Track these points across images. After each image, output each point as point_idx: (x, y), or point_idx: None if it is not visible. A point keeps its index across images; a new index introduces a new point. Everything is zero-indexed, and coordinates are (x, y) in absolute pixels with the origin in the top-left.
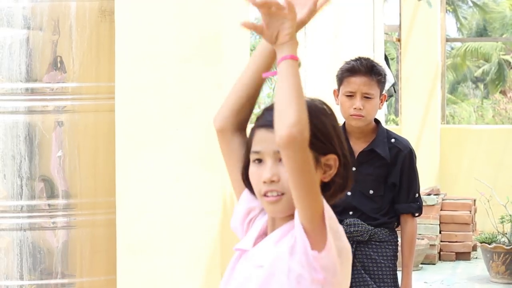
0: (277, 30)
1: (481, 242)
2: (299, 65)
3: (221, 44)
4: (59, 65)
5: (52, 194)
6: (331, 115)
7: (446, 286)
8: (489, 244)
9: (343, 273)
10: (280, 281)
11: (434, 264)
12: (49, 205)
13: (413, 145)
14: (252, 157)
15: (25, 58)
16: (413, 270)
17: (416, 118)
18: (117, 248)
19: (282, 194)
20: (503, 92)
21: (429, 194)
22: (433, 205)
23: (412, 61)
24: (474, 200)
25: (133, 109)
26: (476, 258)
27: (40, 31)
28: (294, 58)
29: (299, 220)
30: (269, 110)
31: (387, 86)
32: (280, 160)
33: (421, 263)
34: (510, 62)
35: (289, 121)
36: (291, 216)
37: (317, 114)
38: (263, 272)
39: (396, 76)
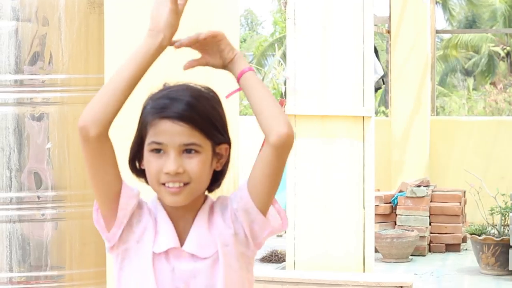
0: (218, 54)
1: (471, 234)
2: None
3: None
4: (47, 57)
5: (41, 186)
6: (220, 102)
7: (436, 278)
8: (479, 236)
9: None
10: (233, 265)
11: (424, 255)
12: (38, 197)
13: (403, 136)
14: (152, 146)
15: (14, 49)
16: (403, 262)
17: (406, 110)
18: None
19: (186, 184)
20: (494, 84)
21: (419, 186)
22: (423, 196)
23: (402, 52)
24: (464, 192)
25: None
26: (466, 249)
27: (29, 22)
28: (251, 69)
29: (254, 205)
30: (170, 99)
31: (376, 78)
32: (183, 152)
33: (411, 255)
34: (500, 54)
35: (285, 121)
36: (191, 202)
37: (213, 103)
38: (212, 261)
39: (386, 68)
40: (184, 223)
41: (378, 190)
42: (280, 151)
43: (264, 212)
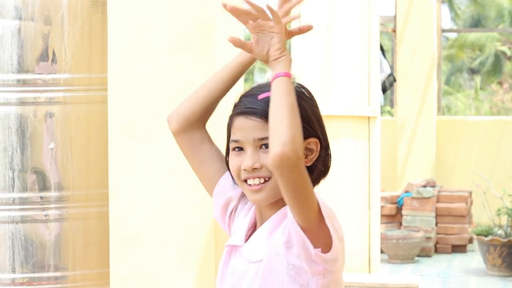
0: (267, 47)
1: (477, 235)
2: (293, 81)
3: (214, 35)
4: (50, 56)
5: (44, 187)
6: (310, 98)
7: (442, 279)
8: (486, 237)
9: (343, 257)
10: (280, 275)
11: (430, 256)
12: (41, 197)
13: (409, 137)
14: (232, 145)
15: (17, 49)
16: (409, 263)
17: (412, 110)
18: (110, 240)
19: (267, 180)
20: (500, 83)
21: (425, 186)
22: (429, 197)
23: (408, 52)
24: (470, 192)
25: (126, 100)
26: (473, 250)
27: (32, 21)
28: (288, 75)
29: (295, 220)
30: (247, 96)
31: (383, 77)
32: (260, 147)
33: (417, 256)
34: (506, 53)
35: (282, 139)
36: (277, 203)
37: (296, 98)
38: (259, 267)
39: (391, 67)
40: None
41: (384, 190)
42: (278, 171)
43: (309, 229)
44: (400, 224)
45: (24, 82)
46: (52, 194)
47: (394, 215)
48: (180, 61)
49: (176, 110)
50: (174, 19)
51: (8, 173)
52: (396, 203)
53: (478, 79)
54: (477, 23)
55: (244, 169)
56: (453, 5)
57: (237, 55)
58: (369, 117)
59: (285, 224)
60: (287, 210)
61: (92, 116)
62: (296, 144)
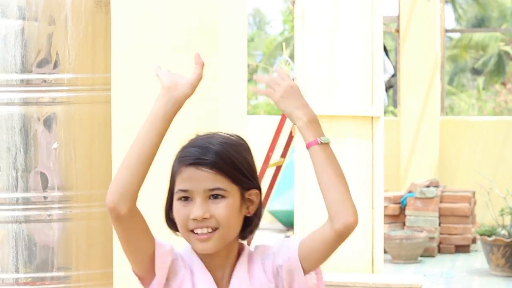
0: (291, 111)
1: (480, 235)
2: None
3: (217, 34)
4: (54, 56)
5: (47, 186)
6: (249, 150)
7: (445, 279)
8: (489, 237)
9: None
10: None
11: (433, 257)
12: (44, 197)
13: (412, 137)
14: (179, 194)
15: (20, 49)
16: (412, 263)
17: (415, 110)
18: (113, 240)
19: (215, 230)
20: (503, 83)
21: (428, 186)
22: (432, 197)
23: (411, 52)
24: (474, 193)
25: (129, 100)
26: (476, 251)
27: (36, 22)
28: (316, 143)
29: (302, 269)
30: (195, 147)
31: (386, 77)
32: (209, 197)
33: (420, 256)
34: (509, 53)
35: (353, 209)
36: (225, 249)
37: (240, 150)
38: None
39: (395, 68)
40: (222, 273)
41: (387, 190)
42: (343, 237)
43: (306, 274)
44: (404, 224)
45: (27, 82)
46: (56, 194)
47: (397, 215)
48: (184, 61)
49: (118, 192)
50: (178, 19)
51: (12, 173)
52: (399, 203)
53: (481, 79)
54: (480, 23)
55: (194, 219)
56: (456, 5)
57: (157, 107)
58: (372, 117)
59: (268, 269)
60: (269, 254)
61: (95, 116)
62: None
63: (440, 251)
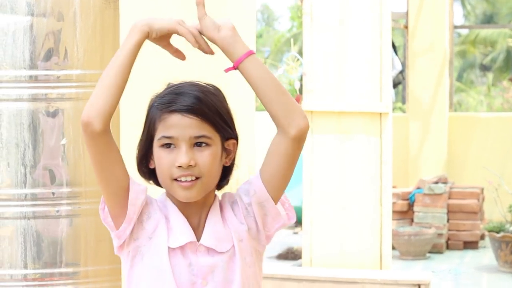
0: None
1: (489, 231)
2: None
3: None
4: (62, 52)
5: (56, 182)
6: (226, 99)
7: (453, 275)
8: (497, 233)
9: None
10: (246, 261)
11: (442, 253)
12: (53, 193)
13: (421, 133)
14: (162, 141)
15: (29, 45)
16: (421, 259)
17: (424, 106)
18: None
19: (198, 178)
20: (511, 80)
21: (436, 183)
22: (441, 193)
23: (419, 48)
24: (482, 189)
25: (138, 96)
26: (484, 247)
27: (44, 18)
28: (253, 52)
29: (270, 197)
30: (177, 94)
31: (394, 73)
32: (194, 145)
33: (429, 252)
34: None
35: (301, 112)
36: (203, 198)
37: (221, 99)
38: (228, 256)
39: (403, 64)
40: (198, 219)
41: (395, 187)
42: (300, 143)
43: (276, 203)
44: (412, 220)
45: (36, 78)
46: (64, 190)
47: (405, 211)
48: (192, 57)
49: (95, 108)
50: (186, 15)
51: (20, 169)
52: (407, 199)
53: (490, 75)
54: (489, 20)
55: (179, 166)
56: (465, 2)
57: (130, 35)
58: (381, 113)
59: (238, 212)
60: (236, 199)
61: None
62: None
63: (448, 247)
